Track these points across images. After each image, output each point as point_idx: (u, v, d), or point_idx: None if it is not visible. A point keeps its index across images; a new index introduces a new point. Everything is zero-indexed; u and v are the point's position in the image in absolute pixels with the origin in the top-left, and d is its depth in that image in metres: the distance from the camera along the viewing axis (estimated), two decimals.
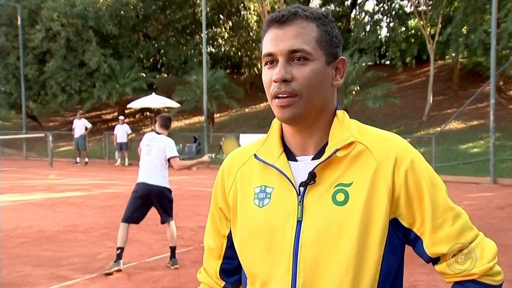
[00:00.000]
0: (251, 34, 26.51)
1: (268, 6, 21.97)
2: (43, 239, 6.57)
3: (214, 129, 20.95)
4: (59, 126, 27.17)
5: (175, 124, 24.01)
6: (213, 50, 28.71)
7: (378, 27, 23.38)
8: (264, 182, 1.12)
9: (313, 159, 1.08)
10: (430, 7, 20.13)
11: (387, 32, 23.92)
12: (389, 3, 23.74)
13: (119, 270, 5.06)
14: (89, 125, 18.51)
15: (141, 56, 25.87)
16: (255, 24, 26.40)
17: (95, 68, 22.19)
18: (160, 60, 27.97)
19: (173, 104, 18.86)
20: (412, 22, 25.05)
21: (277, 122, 1.16)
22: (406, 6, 24.45)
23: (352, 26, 24.86)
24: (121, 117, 18.21)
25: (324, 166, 1.05)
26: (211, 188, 1.25)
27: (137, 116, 26.30)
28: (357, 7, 26.46)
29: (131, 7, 24.26)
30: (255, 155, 1.14)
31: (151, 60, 27.75)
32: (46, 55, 22.88)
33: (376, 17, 23.71)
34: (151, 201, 5.25)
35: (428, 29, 20.49)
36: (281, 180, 1.09)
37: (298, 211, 1.05)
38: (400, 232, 1.06)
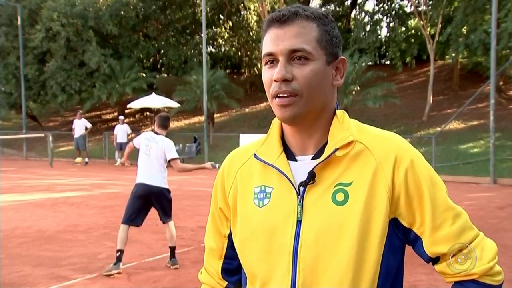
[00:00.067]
0: (251, 34, 26.51)
1: (268, 6, 21.97)
2: (43, 239, 6.58)
3: (214, 129, 20.94)
4: (59, 126, 27.17)
5: (175, 124, 24.02)
6: (213, 50, 28.71)
7: (378, 27, 23.37)
8: (264, 182, 1.12)
9: (312, 158, 1.08)
10: (430, 7, 20.13)
11: (387, 32, 23.92)
12: (389, 3, 23.74)
13: (118, 273, 5.06)
14: (89, 125, 18.51)
15: (141, 56, 25.87)
16: (255, 24, 26.40)
17: (95, 68, 22.19)
18: (160, 60, 27.98)
19: (173, 104, 18.85)
20: (412, 22, 25.05)
21: (277, 122, 1.16)
22: (406, 6, 24.47)
23: (352, 26, 24.86)
24: (121, 117, 18.21)
25: (323, 166, 1.05)
26: (211, 188, 1.25)
27: (137, 116, 26.31)
28: (357, 7, 26.45)
29: (131, 7, 24.25)
30: (255, 155, 1.14)
31: (151, 60, 27.75)
32: (46, 55, 22.88)
33: (376, 17, 23.70)
34: (151, 201, 5.25)
35: (428, 29, 20.50)
36: (281, 180, 1.09)
37: (298, 211, 1.05)
38: (400, 232, 1.06)
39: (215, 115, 22.05)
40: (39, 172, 15.79)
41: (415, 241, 1.06)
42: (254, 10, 26.06)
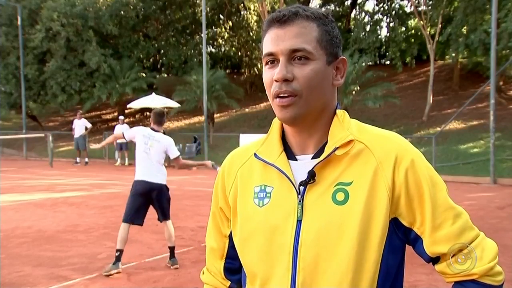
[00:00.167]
0: (251, 34, 26.51)
1: (268, 6, 21.96)
2: (43, 239, 6.57)
3: (214, 129, 20.94)
4: (59, 126, 27.18)
5: (175, 124, 24.03)
6: (213, 50, 28.71)
7: (378, 27, 23.37)
8: (264, 181, 1.12)
9: (313, 158, 1.08)
10: (430, 7, 20.13)
11: (387, 32, 23.92)
12: (389, 3, 23.74)
13: (117, 273, 5.06)
14: (89, 125, 18.51)
15: (141, 56, 25.87)
16: (255, 24, 26.40)
17: (95, 68, 22.19)
18: (160, 60, 27.98)
19: (173, 104, 18.85)
20: (412, 22, 25.05)
21: (278, 122, 1.16)
22: (406, 6, 24.47)
23: (352, 26, 24.86)
24: (121, 117, 18.21)
25: (323, 165, 1.05)
26: (211, 188, 1.25)
27: (137, 116, 26.30)
28: (357, 7, 26.45)
29: (131, 7, 24.25)
30: (255, 154, 1.14)
31: (151, 60, 27.75)
32: (46, 55, 22.89)
33: (376, 17, 23.70)
34: (151, 199, 5.25)
35: (428, 29, 20.49)
36: (281, 179, 1.09)
37: (298, 210, 1.05)
38: (401, 232, 1.06)
39: (215, 115, 22.05)
40: (39, 172, 15.79)
41: (416, 241, 1.06)
42: (254, 10, 26.06)
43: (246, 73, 27.08)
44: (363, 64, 18.05)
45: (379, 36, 23.32)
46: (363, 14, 24.35)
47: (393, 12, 23.52)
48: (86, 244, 6.30)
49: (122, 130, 5.52)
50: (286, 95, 1.04)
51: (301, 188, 1.06)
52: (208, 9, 24.18)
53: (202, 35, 19.26)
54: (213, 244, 1.25)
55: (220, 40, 28.08)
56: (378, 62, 24.48)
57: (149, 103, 18.13)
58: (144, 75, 24.34)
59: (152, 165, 5.21)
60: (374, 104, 17.49)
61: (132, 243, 6.05)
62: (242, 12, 27.06)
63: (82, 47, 22.35)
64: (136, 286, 4.73)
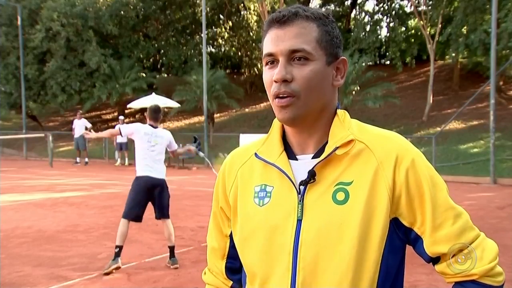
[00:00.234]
0: (251, 34, 26.50)
1: (268, 6, 21.96)
2: (43, 239, 6.57)
3: (214, 129, 20.94)
4: (59, 126, 27.18)
5: (175, 124, 24.03)
6: (213, 50, 28.71)
7: (378, 27, 23.37)
8: (264, 181, 1.12)
9: (313, 157, 1.08)
10: (430, 7, 20.13)
11: (387, 32, 23.92)
12: (389, 3, 23.74)
13: (117, 268, 5.06)
14: (89, 125, 18.49)
15: (141, 56, 25.88)
16: (255, 24, 26.40)
17: (95, 68, 22.20)
18: (160, 60, 27.98)
19: (173, 104, 18.85)
20: (412, 22, 25.06)
21: (278, 122, 1.16)
22: (406, 6, 24.47)
23: (352, 26, 24.86)
24: (121, 117, 18.21)
25: (324, 165, 1.05)
26: (211, 188, 1.26)
27: (137, 116, 26.28)
28: (357, 7, 26.46)
29: (131, 7, 24.26)
30: (256, 154, 1.15)
31: (151, 60, 27.75)
32: (46, 55, 22.89)
33: (376, 17, 23.70)
34: (153, 195, 5.26)
35: (428, 29, 20.49)
36: (281, 179, 1.09)
37: (298, 210, 1.05)
38: (401, 232, 1.06)
39: (215, 115, 22.05)
40: (39, 172, 15.79)
41: (416, 241, 1.06)
42: (254, 10, 26.06)
43: (246, 73, 27.08)
44: (363, 64, 18.05)
45: (379, 36, 23.32)
46: (363, 14, 24.36)
47: (393, 12, 23.52)
48: (86, 244, 6.31)
49: (119, 127, 5.50)
50: (285, 95, 1.04)
51: (301, 187, 1.06)
52: (208, 9, 24.18)
53: (202, 35, 19.26)
54: (214, 244, 1.25)
55: (220, 40, 28.08)
56: (378, 62, 24.48)
57: (149, 103, 18.02)
58: (144, 75, 24.34)
59: (156, 162, 5.27)
60: (374, 104, 17.49)
61: (132, 243, 6.05)
62: (242, 12, 27.06)
63: (82, 47, 22.35)
64: (136, 286, 4.73)
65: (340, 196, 1.03)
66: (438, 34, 19.10)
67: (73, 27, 21.86)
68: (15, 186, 12.05)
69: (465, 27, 17.84)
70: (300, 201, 1.05)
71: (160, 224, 5.55)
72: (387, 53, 22.79)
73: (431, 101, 19.36)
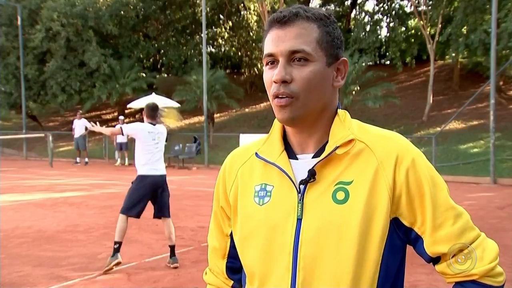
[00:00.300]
0: (251, 34, 26.50)
1: (268, 6, 21.96)
2: (43, 239, 6.57)
3: (214, 129, 20.95)
4: (59, 126, 27.18)
5: (175, 124, 24.01)
6: (213, 50, 28.71)
7: (378, 27, 23.38)
8: (264, 180, 1.12)
9: (313, 157, 1.08)
10: (430, 7, 20.13)
11: (387, 32, 23.92)
12: (389, 3, 23.74)
13: (118, 263, 5.06)
14: (89, 125, 18.47)
15: (141, 56, 25.88)
16: (255, 24, 26.40)
17: (95, 68, 22.20)
18: (160, 60, 27.98)
19: (173, 104, 18.83)
20: (412, 22, 25.06)
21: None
22: (406, 6, 24.48)
23: (352, 26, 24.86)
24: (121, 117, 18.21)
25: (324, 164, 1.06)
26: (211, 188, 1.26)
27: (137, 116, 26.27)
28: (357, 7, 26.46)
29: (131, 7, 24.26)
30: (256, 153, 1.15)
31: (151, 60, 27.76)
32: (46, 55, 22.89)
33: (376, 17, 23.71)
34: (156, 194, 5.28)
35: (428, 29, 20.49)
36: (281, 178, 1.09)
37: (298, 209, 1.05)
38: (401, 232, 1.06)
39: (215, 115, 22.05)
40: (39, 172, 15.79)
41: (416, 241, 1.06)
42: (254, 10, 26.06)
43: (246, 73, 27.08)
44: (363, 64, 18.06)
45: (379, 36, 23.33)
46: (363, 14, 24.37)
47: (393, 12, 23.52)
48: (86, 244, 6.30)
49: (120, 126, 5.51)
50: (284, 96, 1.04)
51: (302, 186, 1.06)
52: (208, 9, 24.18)
53: (202, 35, 19.26)
54: (215, 244, 1.25)
55: (220, 40, 28.08)
56: (378, 62, 24.49)
57: None
58: (144, 75, 24.34)
59: (159, 159, 5.35)
60: (374, 104, 17.49)
61: (132, 243, 6.05)
62: (242, 12, 27.06)
63: (82, 47, 22.35)
64: (136, 286, 4.73)
65: (340, 195, 1.03)
66: (438, 34, 19.10)
67: (73, 27, 21.87)
68: (15, 186, 12.05)
69: (465, 27, 17.84)
70: (300, 200, 1.05)
71: (160, 224, 5.55)
72: (387, 53, 22.79)
73: (431, 101, 19.36)
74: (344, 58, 1.11)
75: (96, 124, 5.61)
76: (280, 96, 1.04)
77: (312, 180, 1.05)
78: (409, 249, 1.11)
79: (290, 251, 1.04)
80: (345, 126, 1.09)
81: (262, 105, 24.00)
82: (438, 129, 16.96)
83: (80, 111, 20.31)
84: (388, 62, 24.98)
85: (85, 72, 22.69)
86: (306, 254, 1.02)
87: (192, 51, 26.37)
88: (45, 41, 21.97)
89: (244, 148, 1.23)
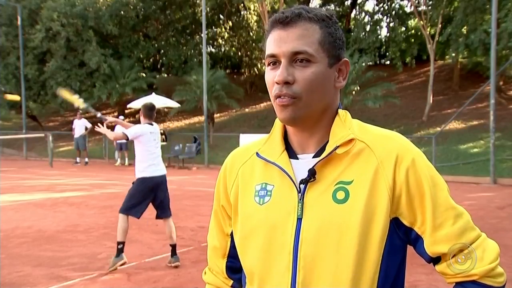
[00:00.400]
0: (251, 34, 26.51)
1: (268, 6, 21.96)
2: (43, 239, 6.58)
3: (214, 129, 20.94)
4: (59, 126, 27.17)
5: (175, 124, 24.03)
6: (213, 50, 28.71)
7: (378, 27, 23.37)
8: (265, 179, 1.12)
9: (314, 157, 1.09)
10: (430, 7, 20.13)
11: (387, 32, 23.92)
12: (389, 3, 23.74)
13: (123, 264, 5.07)
14: (89, 125, 18.48)
15: (141, 56, 25.88)
16: (255, 24, 26.40)
17: (95, 68, 22.20)
18: (160, 60, 27.98)
19: (173, 104, 18.85)
20: (412, 22, 25.05)
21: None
22: (406, 6, 24.47)
23: (352, 26, 24.85)
24: (121, 117, 18.20)
25: (324, 164, 1.06)
26: (211, 188, 1.26)
27: (137, 116, 26.28)
28: (357, 7, 26.46)
29: (131, 7, 24.26)
30: (257, 153, 1.15)
31: (151, 60, 27.75)
32: (46, 55, 22.89)
33: (376, 17, 23.71)
34: (157, 194, 5.29)
35: (428, 29, 20.49)
36: (282, 178, 1.09)
37: (298, 209, 1.05)
38: (401, 232, 1.06)
39: (215, 115, 22.04)
40: (39, 172, 15.79)
41: (416, 241, 1.06)
42: (254, 10, 26.06)
43: (246, 73, 27.08)
44: (363, 64, 18.05)
45: (379, 36, 23.33)
46: (363, 14, 24.37)
47: (393, 12, 23.52)
48: (86, 244, 6.31)
49: (122, 131, 5.43)
50: (286, 97, 1.04)
51: (302, 186, 1.06)
52: (208, 9, 24.18)
53: (202, 35, 19.26)
54: (215, 243, 1.25)
55: (220, 40, 28.09)
56: (378, 62, 24.49)
57: None
58: (144, 75, 24.34)
59: (159, 158, 5.39)
60: (374, 104, 17.49)
61: (132, 243, 6.05)
62: (242, 12, 27.06)
63: (82, 47, 22.35)
64: (136, 286, 4.73)
65: (340, 195, 1.03)
66: (438, 34, 19.10)
67: (73, 27, 21.86)
68: (15, 186, 12.05)
69: (465, 27, 17.84)
70: (300, 199, 1.05)
71: (160, 224, 5.55)
72: (387, 53, 22.80)
73: (431, 101, 19.36)
74: (346, 59, 1.11)
75: (102, 125, 5.56)
76: (282, 96, 1.04)
77: (312, 179, 1.05)
78: (409, 249, 1.11)
79: (290, 250, 1.04)
80: (346, 126, 1.09)
81: (262, 105, 24.00)
82: (438, 129, 16.96)
83: (80, 111, 20.26)
84: (388, 62, 24.98)
85: (85, 72, 22.69)
86: (306, 254, 1.02)
87: (192, 51, 26.38)
88: (45, 41, 21.97)
89: (245, 147, 1.23)
